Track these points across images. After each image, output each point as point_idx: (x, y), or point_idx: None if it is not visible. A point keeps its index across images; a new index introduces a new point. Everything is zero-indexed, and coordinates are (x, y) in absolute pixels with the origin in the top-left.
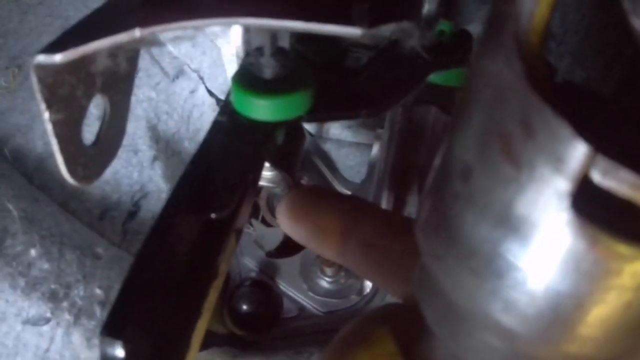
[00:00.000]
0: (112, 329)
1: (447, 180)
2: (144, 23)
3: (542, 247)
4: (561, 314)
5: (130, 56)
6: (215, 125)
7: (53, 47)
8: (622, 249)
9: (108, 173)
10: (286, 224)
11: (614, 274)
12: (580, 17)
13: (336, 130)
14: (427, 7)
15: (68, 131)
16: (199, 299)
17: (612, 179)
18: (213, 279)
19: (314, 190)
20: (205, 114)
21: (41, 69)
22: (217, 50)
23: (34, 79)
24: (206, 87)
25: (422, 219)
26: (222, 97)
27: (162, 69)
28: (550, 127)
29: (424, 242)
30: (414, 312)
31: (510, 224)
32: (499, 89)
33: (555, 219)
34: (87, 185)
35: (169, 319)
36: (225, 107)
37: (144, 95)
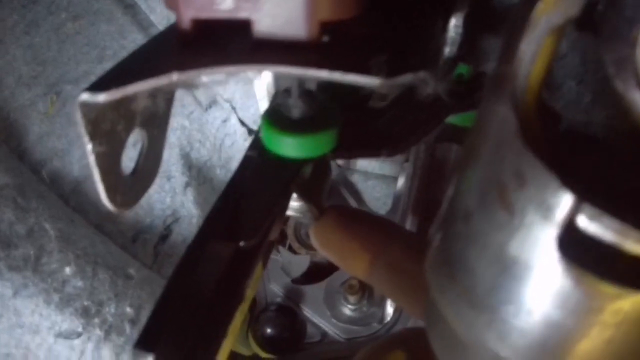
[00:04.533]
0: (144, 343)
1: (451, 221)
2: (181, 67)
3: (531, 285)
4: (549, 345)
5: (167, 96)
6: (246, 159)
7: (97, 86)
8: (605, 288)
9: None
10: (319, 244)
11: (597, 311)
12: (600, 57)
13: (363, 162)
14: (448, 50)
15: (109, 162)
16: (225, 321)
17: (597, 226)
18: (239, 303)
19: (347, 211)
20: (237, 143)
21: (85, 106)
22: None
23: (78, 115)
24: (238, 117)
25: (430, 255)
26: (254, 127)
27: (195, 98)
28: (539, 179)
29: (431, 276)
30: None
31: (504, 263)
32: (498, 142)
33: (543, 260)
34: (125, 211)
35: (197, 338)
36: (255, 143)
37: (178, 124)
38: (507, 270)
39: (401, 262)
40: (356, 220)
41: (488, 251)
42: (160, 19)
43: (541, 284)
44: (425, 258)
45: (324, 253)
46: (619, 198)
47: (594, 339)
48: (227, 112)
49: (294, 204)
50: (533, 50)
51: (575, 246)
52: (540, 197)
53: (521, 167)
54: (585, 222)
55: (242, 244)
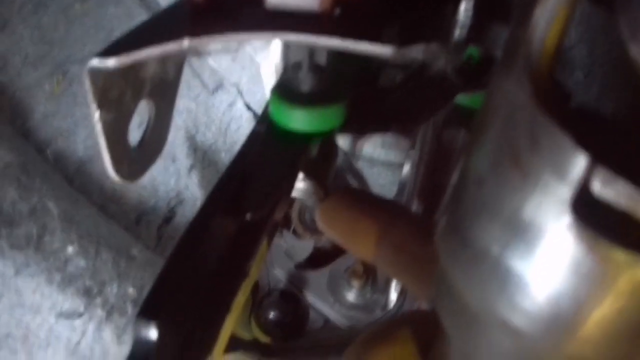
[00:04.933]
0: (147, 312)
1: (463, 188)
2: (192, 33)
3: (544, 251)
4: (561, 314)
5: (177, 64)
6: (253, 134)
7: (107, 53)
8: (619, 255)
9: (146, 179)
10: (324, 225)
11: (611, 279)
12: (608, 48)
13: (369, 148)
14: (458, 32)
15: (116, 131)
16: (229, 296)
17: (611, 190)
18: (243, 278)
19: (353, 192)
20: (243, 127)
21: (94, 72)
22: (256, 66)
23: (86, 81)
24: (244, 102)
25: (441, 225)
26: (260, 112)
27: (202, 81)
28: (554, 140)
29: (442, 245)
30: (435, 317)
31: (517, 228)
32: (512, 105)
33: (557, 224)
34: (130, 183)
35: (201, 311)
36: (263, 118)
37: (184, 107)
38: (520, 235)
39: (407, 242)
40: (362, 201)
41: (501, 216)
42: (169, 1)
43: (554, 250)
44: (435, 229)
45: (329, 234)
46: (627, 165)
47: (606, 307)
48: (234, 96)
49: (300, 186)
50: (548, 16)
51: (589, 211)
52: (554, 158)
53: (535, 129)
54: (599, 187)
55: (248, 216)
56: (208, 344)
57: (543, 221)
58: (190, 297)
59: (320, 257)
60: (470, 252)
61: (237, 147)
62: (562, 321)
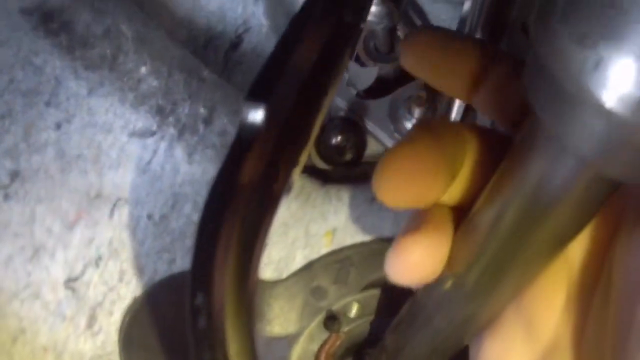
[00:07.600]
0: (256, 95)
1: None
2: None
3: None
4: None
5: None
6: None
7: None
8: None
9: (214, 5)
10: (412, 62)
11: None
12: None
13: None
14: None
15: None
16: (321, 94)
17: None
18: (334, 79)
19: (439, 29)
20: None
21: None
22: None
23: None
24: None
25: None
26: None
27: None
28: None
29: (538, 30)
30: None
31: None
32: None
33: None
34: None
35: (299, 104)
36: None
37: None
38: None
39: (507, 81)
40: (452, 39)
41: None
42: None
43: None
44: (531, 19)
45: (416, 71)
46: None
47: None
48: None
49: (373, 9)
50: None
51: None
52: None
53: None
54: None
55: (347, 18)
56: (305, 138)
57: None
58: (291, 90)
59: (382, 86)
60: (568, 26)
61: None
62: None
